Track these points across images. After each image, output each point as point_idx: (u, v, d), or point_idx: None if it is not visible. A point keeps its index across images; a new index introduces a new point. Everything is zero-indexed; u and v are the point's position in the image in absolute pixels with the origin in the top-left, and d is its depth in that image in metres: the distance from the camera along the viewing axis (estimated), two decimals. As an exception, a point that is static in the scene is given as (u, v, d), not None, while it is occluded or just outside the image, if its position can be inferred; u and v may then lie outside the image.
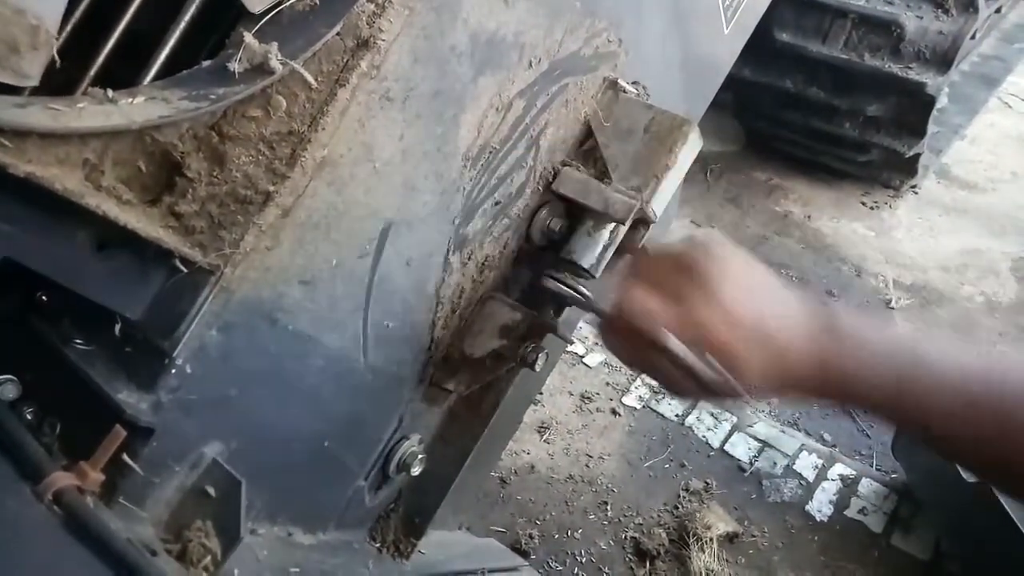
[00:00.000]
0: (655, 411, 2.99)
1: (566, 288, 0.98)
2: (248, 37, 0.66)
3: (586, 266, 1.04)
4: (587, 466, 2.76)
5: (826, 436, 2.99)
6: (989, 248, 3.94)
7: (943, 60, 3.35)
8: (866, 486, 2.72)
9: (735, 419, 2.94)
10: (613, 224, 1.04)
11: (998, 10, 4.07)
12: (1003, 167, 4.58)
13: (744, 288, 0.75)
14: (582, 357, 3.18)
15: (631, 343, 0.76)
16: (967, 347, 0.74)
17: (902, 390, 0.71)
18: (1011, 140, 4.84)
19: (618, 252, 1.09)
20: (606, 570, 2.43)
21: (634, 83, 1.09)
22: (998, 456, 0.69)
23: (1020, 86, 5.10)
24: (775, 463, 2.79)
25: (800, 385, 0.75)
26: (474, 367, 1.08)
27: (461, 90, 0.84)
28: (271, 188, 0.70)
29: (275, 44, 0.67)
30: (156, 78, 0.70)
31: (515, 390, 1.15)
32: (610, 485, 2.70)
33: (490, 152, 0.93)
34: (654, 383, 3.06)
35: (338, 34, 0.69)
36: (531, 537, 2.50)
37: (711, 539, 2.42)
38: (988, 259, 3.87)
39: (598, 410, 2.99)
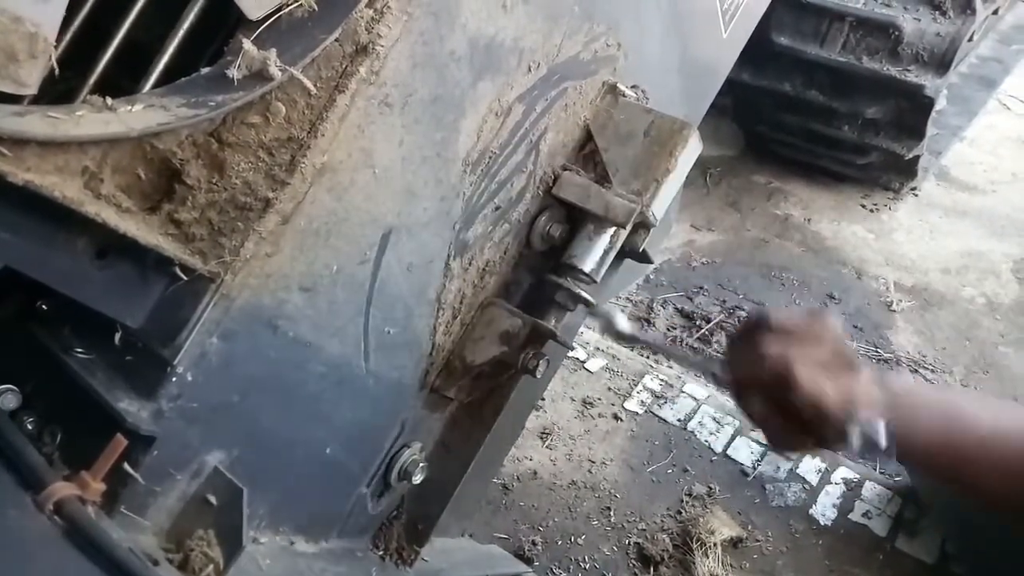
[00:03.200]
0: (657, 416, 2.98)
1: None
2: (247, 44, 0.66)
3: (587, 270, 1.04)
4: (590, 472, 2.75)
5: (829, 439, 2.97)
6: (990, 250, 3.94)
7: (941, 62, 3.35)
8: (870, 489, 2.71)
9: (737, 423, 2.94)
10: (613, 228, 1.04)
11: (995, 12, 4.08)
12: (1003, 168, 4.58)
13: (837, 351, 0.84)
14: (583, 363, 3.18)
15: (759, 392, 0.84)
16: (1000, 403, 0.84)
17: (948, 441, 0.82)
18: (1010, 141, 4.84)
19: (619, 255, 1.09)
20: (610, 576, 2.42)
21: (633, 87, 1.09)
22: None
23: (1019, 88, 5.10)
24: (778, 467, 2.78)
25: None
26: (475, 374, 1.07)
27: (460, 95, 0.84)
28: (271, 195, 0.70)
29: (274, 51, 0.67)
30: (155, 86, 0.70)
31: (517, 396, 1.15)
32: (613, 491, 2.69)
33: (490, 157, 0.93)
34: (656, 388, 3.06)
35: (337, 40, 0.69)
36: (534, 543, 2.49)
37: (715, 544, 2.41)
38: (989, 261, 3.87)
39: (600, 415, 2.98)
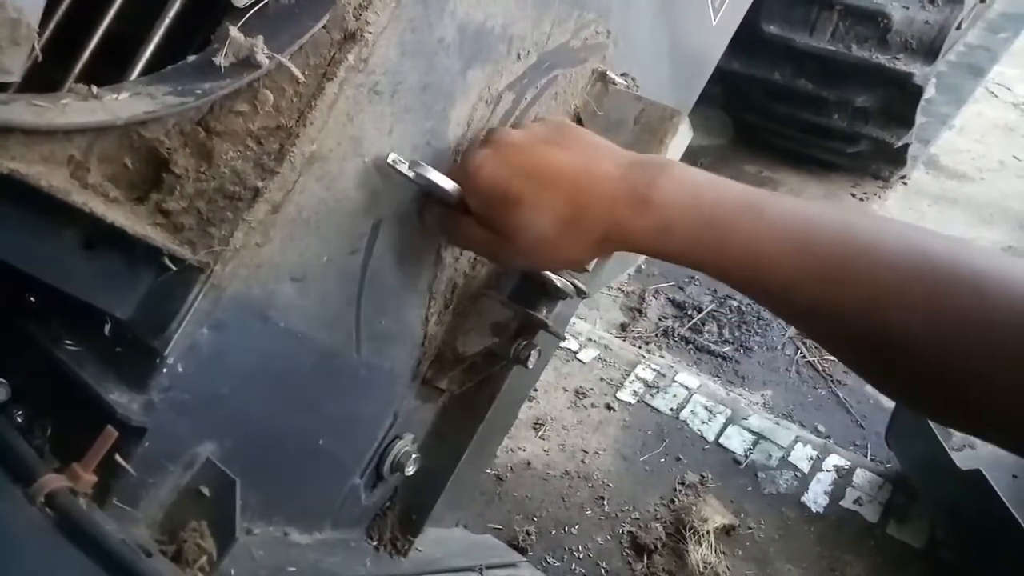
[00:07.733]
0: (650, 406, 2.99)
1: None
2: (233, 31, 0.66)
3: (578, 259, 1.04)
4: (583, 462, 2.76)
5: (820, 428, 3.00)
6: (979, 237, 3.97)
7: (930, 50, 3.36)
8: (861, 476, 2.73)
9: (730, 412, 2.95)
10: (605, 216, 1.03)
11: (983, 0, 4.10)
12: (991, 156, 4.61)
13: (540, 137, 0.72)
14: (576, 353, 3.18)
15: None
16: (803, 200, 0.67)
17: (724, 237, 0.65)
18: (998, 129, 4.87)
19: None
20: (603, 565, 2.44)
21: (623, 75, 1.09)
22: (830, 307, 0.61)
23: (1006, 75, 5.13)
24: (770, 455, 2.80)
25: (605, 236, 0.70)
26: (467, 365, 1.07)
27: (450, 83, 0.84)
28: (260, 184, 0.69)
29: (261, 38, 0.66)
30: (141, 75, 0.70)
31: (509, 387, 1.15)
32: (606, 480, 2.70)
33: (480, 145, 0.93)
34: (648, 377, 3.07)
35: (324, 27, 0.69)
36: (528, 533, 2.50)
37: (708, 532, 2.43)
38: (978, 248, 3.90)
39: (593, 406, 2.99)
